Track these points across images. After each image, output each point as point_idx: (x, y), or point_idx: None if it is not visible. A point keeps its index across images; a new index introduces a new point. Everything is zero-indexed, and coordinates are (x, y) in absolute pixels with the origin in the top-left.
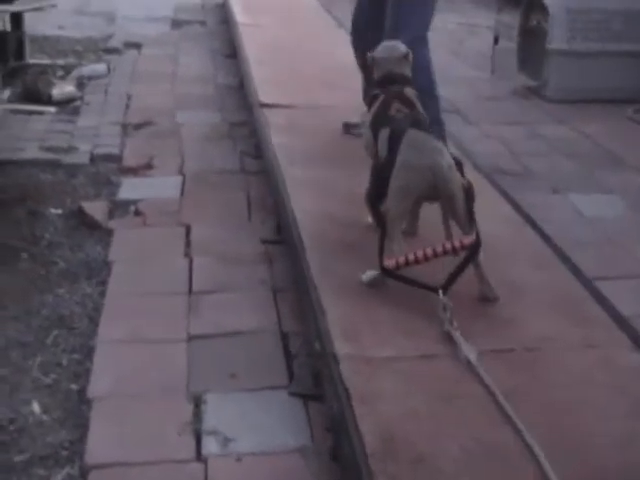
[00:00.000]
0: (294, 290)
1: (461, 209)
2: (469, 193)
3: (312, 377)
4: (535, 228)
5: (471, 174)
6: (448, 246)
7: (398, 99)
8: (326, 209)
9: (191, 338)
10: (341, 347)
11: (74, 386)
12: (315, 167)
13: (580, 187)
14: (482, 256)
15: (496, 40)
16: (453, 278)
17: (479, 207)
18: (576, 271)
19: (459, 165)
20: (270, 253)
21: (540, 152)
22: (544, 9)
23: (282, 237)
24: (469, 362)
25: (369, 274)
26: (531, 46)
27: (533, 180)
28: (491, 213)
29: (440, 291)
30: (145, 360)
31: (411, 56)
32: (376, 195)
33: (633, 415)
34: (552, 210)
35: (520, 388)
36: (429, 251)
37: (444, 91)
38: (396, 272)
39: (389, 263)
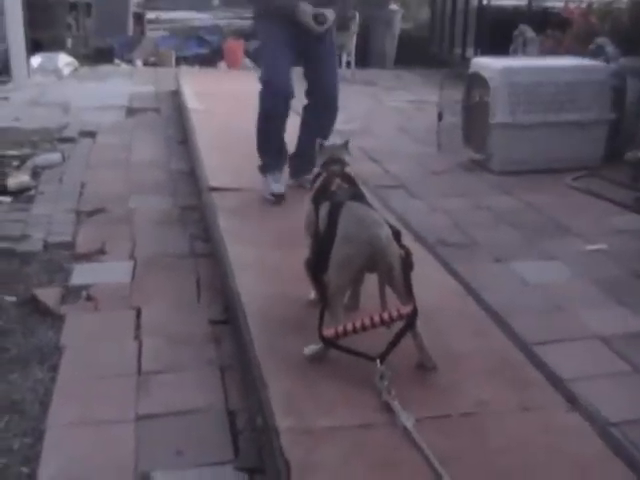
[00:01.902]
0: (241, 368)
1: (399, 280)
2: (407, 262)
3: (257, 451)
4: (476, 297)
5: (414, 247)
6: (386, 316)
7: (339, 176)
8: (271, 288)
9: (139, 418)
10: (282, 420)
11: (25, 469)
12: (260, 248)
13: (523, 255)
14: (419, 326)
15: (440, 116)
16: (391, 347)
17: (422, 279)
18: (515, 337)
19: (397, 235)
20: (218, 333)
21: (484, 223)
22: (485, 84)
23: (229, 317)
24: (406, 429)
25: (311, 348)
26: (475, 120)
27: (477, 250)
28: (433, 285)
29: (378, 360)
30: (94, 441)
31: (350, 144)
32: (317, 267)
33: (572, 476)
34: (494, 279)
35: (458, 454)
36: (367, 321)
37: (392, 167)
38: (335, 342)
39: (328, 333)
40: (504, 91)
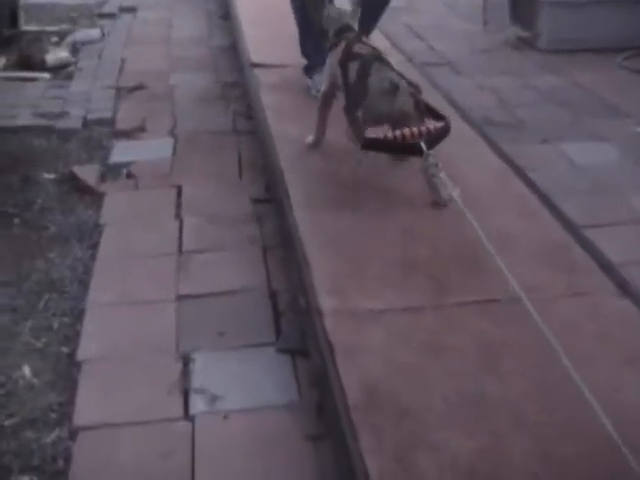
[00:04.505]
0: (284, 248)
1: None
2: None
3: (300, 333)
4: (524, 178)
5: (461, 127)
6: (424, 128)
7: (358, 41)
8: (314, 166)
9: (180, 298)
10: (325, 301)
11: (64, 349)
12: (304, 124)
13: (572, 136)
14: (466, 204)
15: None
16: (433, 141)
17: (469, 159)
18: (564, 219)
19: (417, 88)
20: (260, 212)
21: (532, 102)
22: None
23: (272, 195)
24: (452, 199)
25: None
26: None
27: (524, 130)
28: (480, 165)
29: (422, 143)
30: (134, 321)
31: (359, 12)
32: (351, 110)
33: (620, 363)
34: (542, 160)
35: (506, 340)
36: (407, 132)
37: (437, 45)
38: (376, 143)
39: (369, 137)
40: None
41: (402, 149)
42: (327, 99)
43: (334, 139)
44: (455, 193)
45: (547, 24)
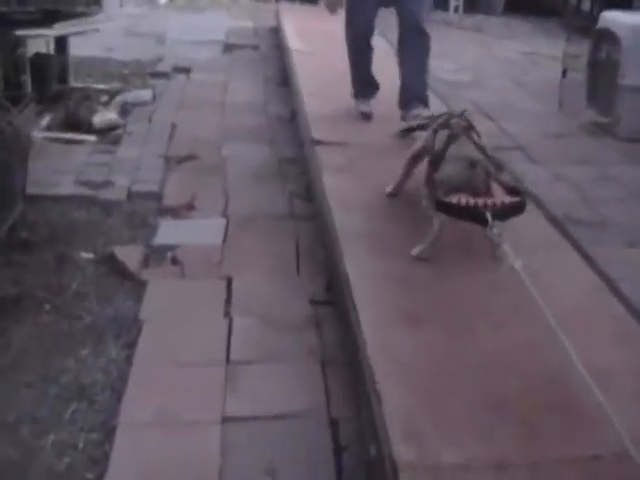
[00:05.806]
0: (346, 364)
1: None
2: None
3: (365, 475)
4: (615, 293)
5: (542, 224)
6: (498, 200)
7: (459, 117)
8: (383, 268)
9: (225, 420)
10: (401, 451)
11: (89, 475)
12: (371, 217)
13: None
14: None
15: (564, 72)
16: (501, 212)
17: (554, 267)
18: None
19: (498, 167)
20: (320, 315)
21: (614, 197)
22: (616, 40)
23: (333, 297)
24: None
25: (418, 248)
26: (601, 79)
27: (607, 231)
28: (566, 274)
29: (489, 214)
30: (173, 447)
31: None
32: (431, 172)
33: None
34: (631, 267)
35: None
36: (480, 201)
37: (508, 126)
38: (450, 206)
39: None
40: (637, 49)
41: (470, 216)
42: (415, 158)
43: (404, 236)
44: (517, 264)
45: (627, 110)
